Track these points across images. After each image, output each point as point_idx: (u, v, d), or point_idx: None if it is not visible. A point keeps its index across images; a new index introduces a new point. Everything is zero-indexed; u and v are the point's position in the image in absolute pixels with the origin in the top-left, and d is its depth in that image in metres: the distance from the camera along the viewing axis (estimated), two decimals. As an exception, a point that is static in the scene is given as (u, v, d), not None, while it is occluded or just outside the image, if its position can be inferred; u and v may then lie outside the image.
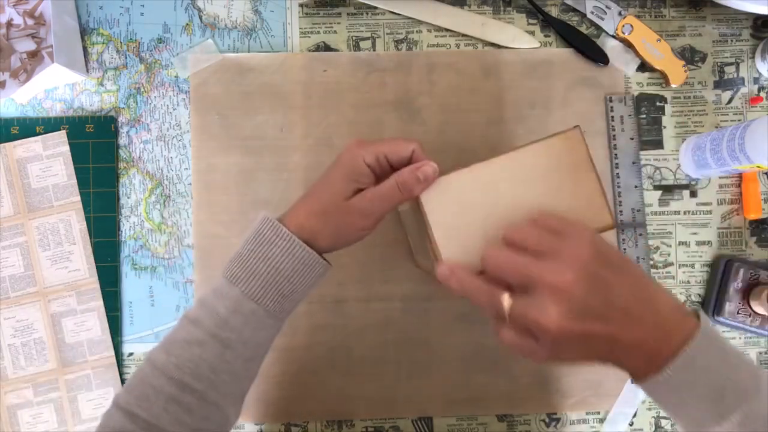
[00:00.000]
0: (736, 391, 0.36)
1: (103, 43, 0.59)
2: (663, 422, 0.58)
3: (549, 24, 0.60)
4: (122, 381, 0.56)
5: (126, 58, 0.59)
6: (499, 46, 0.60)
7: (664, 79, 0.60)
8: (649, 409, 0.58)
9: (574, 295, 0.35)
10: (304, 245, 0.42)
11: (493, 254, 0.38)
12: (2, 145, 0.57)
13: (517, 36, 0.60)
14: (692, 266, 0.59)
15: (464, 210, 0.45)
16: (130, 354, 0.57)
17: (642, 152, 0.60)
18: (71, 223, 0.57)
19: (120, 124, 0.59)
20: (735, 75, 0.61)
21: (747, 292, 0.56)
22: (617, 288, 0.36)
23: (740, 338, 0.59)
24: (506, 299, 0.37)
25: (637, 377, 0.38)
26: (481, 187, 0.45)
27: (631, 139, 0.59)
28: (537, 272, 0.36)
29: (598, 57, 0.59)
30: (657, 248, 0.59)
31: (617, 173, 0.59)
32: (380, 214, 0.43)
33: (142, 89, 0.59)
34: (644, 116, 0.60)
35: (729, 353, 0.37)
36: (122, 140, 0.58)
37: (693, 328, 0.36)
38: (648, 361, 0.36)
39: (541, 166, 0.46)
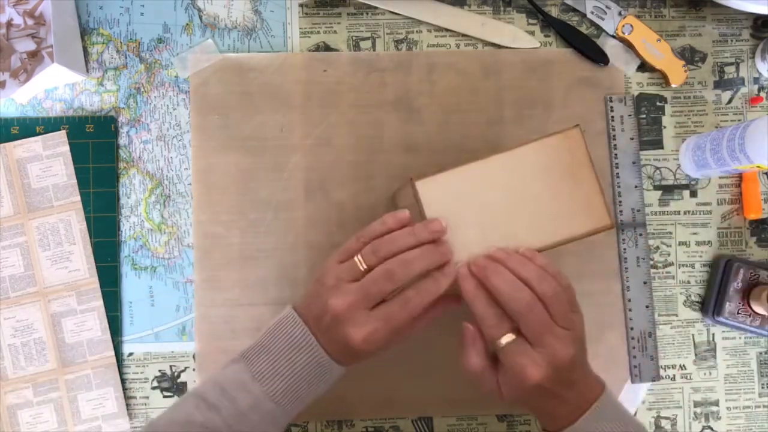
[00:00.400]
0: None
1: (103, 43, 0.59)
2: (663, 422, 0.58)
3: (549, 24, 0.60)
4: (122, 381, 0.56)
5: (126, 58, 0.59)
6: (499, 46, 0.60)
7: (664, 79, 0.60)
8: (649, 409, 0.58)
9: (564, 366, 0.41)
10: (331, 360, 0.43)
11: (529, 301, 0.41)
12: (2, 145, 0.57)
13: (517, 36, 0.60)
14: (692, 266, 0.59)
15: (462, 207, 0.45)
16: (130, 354, 0.57)
17: (642, 152, 0.60)
18: (71, 223, 0.57)
19: (120, 124, 0.59)
20: (735, 75, 0.61)
21: (747, 292, 0.56)
22: (581, 364, 0.44)
23: (740, 338, 0.59)
24: (509, 337, 0.42)
25: (556, 426, 0.44)
26: (479, 185, 0.45)
27: (631, 139, 0.59)
28: (552, 337, 0.41)
29: (598, 57, 0.59)
30: (657, 248, 0.59)
31: (617, 173, 0.59)
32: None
33: (142, 89, 0.59)
34: (644, 116, 0.60)
35: (625, 412, 0.45)
36: (122, 140, 0.58)
37: (601, 390, 0.44)
38: (569, 414, 0.43)
39: (540, 165, 0.46)
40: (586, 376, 0.44)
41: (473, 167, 0.45)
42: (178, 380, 0.57)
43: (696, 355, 0.59)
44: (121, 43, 0.59)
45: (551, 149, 0.46)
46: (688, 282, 0.59)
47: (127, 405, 0.56)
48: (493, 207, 0.45)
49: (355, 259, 0.43)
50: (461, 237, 0.44)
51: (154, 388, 0.57)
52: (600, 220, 0.46)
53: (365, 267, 0.42)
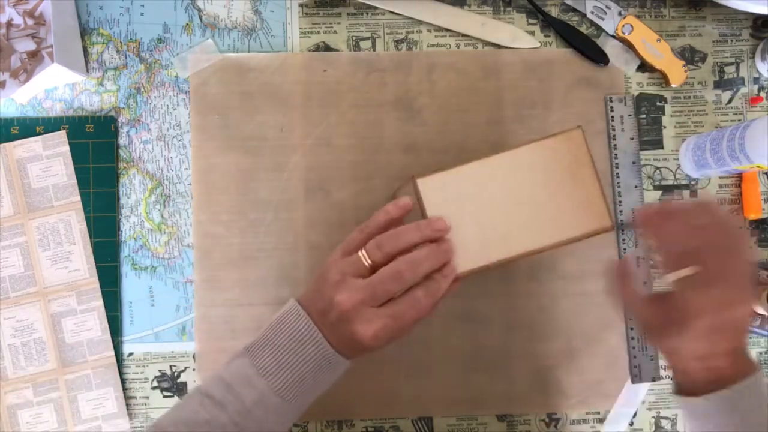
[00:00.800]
0: None
1: (103, 43, 0.59)
2: (663, 422, 0.58)
3: (549, 24, 0.60)
4: (122, 381, 0.56)
5: (126, 58, 0.59)
6: (499, 46, 0.60)
7: (664, 79, 0.60)
8: (649, 409, 0.58)
9: (736, 317, 0.40)
10: (336, 353, 0.42)
11: (716, 239, 0.41)
12: (2, 145, 0.57)
13: (517, 36, 0.60)
14: (692, 266, 0.59)
15: (462, 205, 0.45)
16: (130, 354, 0.57)
17: (642, 152, 0.60)
18: (71, 223, 0.57)
19: (120, 124, 0.59)
20: (735, 75, 0.61)
21: (747, 292, 0.56)
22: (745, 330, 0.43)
23: (740, 338, 0.59)
24: (690, 270, 0.40)
25: (695, 386, 0.41)
26: (479, 184, 0.45)
27: (631, 139, 0.59)
28: (734, 280, 0.40)
29: (598, 57, 0.59)
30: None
31: (617, 173, 0.59)
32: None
33: (142, 89, 0.59)
34: (644, 116, 0.60)
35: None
36: (122, 140, 0.58)
37: (755, 369, 0.41)
38: (717, 378, 0.40)
39: (542, 165, 0.46)
40: (744, 347, 0.42)
41: (474, 166, 0.45)
42: (178, 380, 0.57)
43: (696, 355, 0.59)
44: (121, 43, 0.59)
45: (553, 149, 0.46)
46: (688, 282, 0.59)
47: (127, 405, 0.56)
48: (493, 206, 0.45)
49: (359, 254, 0.42)
50: (460, 236, 0.44)
51: (154, 388, 0.57)
52: (600, 221, 0.46)
53: (370, 262, 0.42)
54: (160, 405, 0.57)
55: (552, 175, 0.46)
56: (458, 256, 0.44)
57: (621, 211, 0.59)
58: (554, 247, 0.46)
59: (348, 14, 0.60)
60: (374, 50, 0.60)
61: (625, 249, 0.58)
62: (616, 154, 0.59)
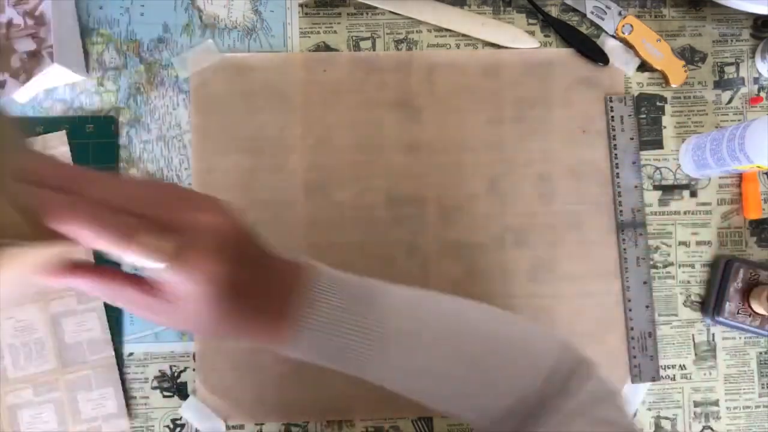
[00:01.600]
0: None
1: (103, 43, 0.59)
2: (663, 422, 0.58)
3: (549, 24, 0.60)
4: (122, 381, 0.56)
5: (126, 58, 0.59)
6: (499, 46, 0.60)
7: (664, 79, 0.60)
8: (649, 410, 0.58)
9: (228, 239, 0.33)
10: None
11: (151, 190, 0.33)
12: (2, 145, 0.57)
13: (517, 36, 0.60)
14: (692, 266, 0.59)
15: None
16: (130, 354, 0.57)
17: (642, 152, 0.60)
18: (71, 223, 0.57)
19: (120, 124, 0.59)
20: (735, 75, 0.61)
21: (747, 292, 0.56)
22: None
23: (740, 338, 0.59)
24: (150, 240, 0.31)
25: (280, 334, 0.35)
26: None
27: (631, 139, 0.59)
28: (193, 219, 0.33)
29: (598, 57, 0.59)
30: (657, 248, 0.59)
31: (617, 173, 0.59)
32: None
33: (142, 89, 0.59)
34: (644, 116, 0.60)
35: (346, 281, 0.37)
36: (122, 140, 0.58)
37: (306, 269, 0.36)
38: (282, 308, 0.35)
39: None
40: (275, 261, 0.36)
41: None
42: (178, 380, 0.57)
43: (696, 355, 0.59)
44: (121, 43, 0.59)
45: None
46: (688, 282, 0.59)
47: (127, 405, 0.56)
48: None
49: None
50: None
51: (154, 388, 0.57)
52: None
53: None
54: (160, 405, 0.57)
55: None
56: None
57: (621, 212, 0.59)
58: None
59: (348, 14, 0.60)
60: (374, 50, 0.60)
61: (625, 249, 0.58)
62: (616, 154, 0.59)
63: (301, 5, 0.60)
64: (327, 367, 0.38)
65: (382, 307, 0.37)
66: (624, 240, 0.59)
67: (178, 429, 0.57)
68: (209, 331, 0.34)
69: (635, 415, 0.58)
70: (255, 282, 0.34)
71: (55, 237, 0.30)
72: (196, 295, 0.32)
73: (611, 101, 0.59)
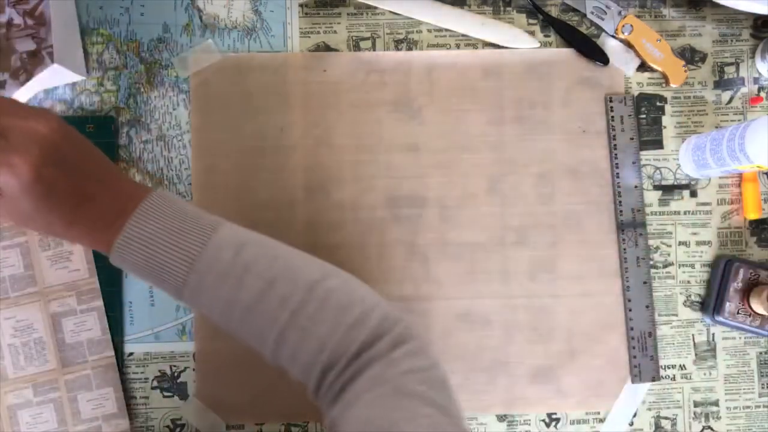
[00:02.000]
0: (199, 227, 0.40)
1: (103, 43, 0.59)
2: (663, 422, 0.58)
3: (549, 24, 0.60)
4: (122, 381, 0.56)
5: (126, 58, 0.59)
6: (499, 46, 0.60)
7: (664, 79, 0.60)
8: (649, 410, 0.58)
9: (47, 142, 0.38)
10: None
11: None
12: (2, 145, 0.57)
13: (517, 36, 0.60)
14: (692, 266, 0.59)
15: None
16: (130, 354, 0.57)
17: (642, 152, 0.60)
18: (71, 223, 0.57)
19: (120, 124, 0.59)
20: (735, 75, 0.61)
21: (747, 292, 0.56)
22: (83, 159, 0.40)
23: (740, 338, 0.59)
24: None
25: (108, 242, 0.40)
26: None
27: (631, 139, 0.59)
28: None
29: (598, 57, 0.59)
30: (657, 248, 0.59)
31: (617, 173, 0.59)
32: None
33: (142, 89, 0.59)
34: (644, 116, 0.60)
35: (186, 210, 0.40)
36: (122, 140, 0.58)
37: (149, 192, 0.41)
38: (114, 220, 0.40)
39: None
40: (108, 174, 0.41)
41: None
42: (178, 380, 0.57)
43: (696, 355, 0.59)
44: (121, 43, 0.59)
45: None
46: (688, 282, 0.59)
47: (127, 405, 0.56)
48: None
49: None
50: None
51: (154, 388, 0.57)
52: None
53: None
54: (160, 405, 0.57)
55: None
56: None
57: (621, 212, 0.59)
58: None
59: (348, 14, 0.60)
60: (374, 50, 0.60)
61: (625, 249, 0.58)
62: (616, 154, 0.59)
63: (301, 5, 0.60)
64: (151, 284, 0.41)
65: (214, 237, 0.39)
66: (624, 240, 0.59)
67: (178, 429, 0.57)
68: (31, 225, 0.40)
69: (635, 414, 0.58)
70: (78, 187, 0.39)
71: None
72: (17, 190, 0.37)
73: (611, 101, 0.59)
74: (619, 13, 0.60)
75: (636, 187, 0.59)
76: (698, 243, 0.59)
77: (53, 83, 0.58)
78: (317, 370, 0.39)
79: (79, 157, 0.40)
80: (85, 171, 0.40)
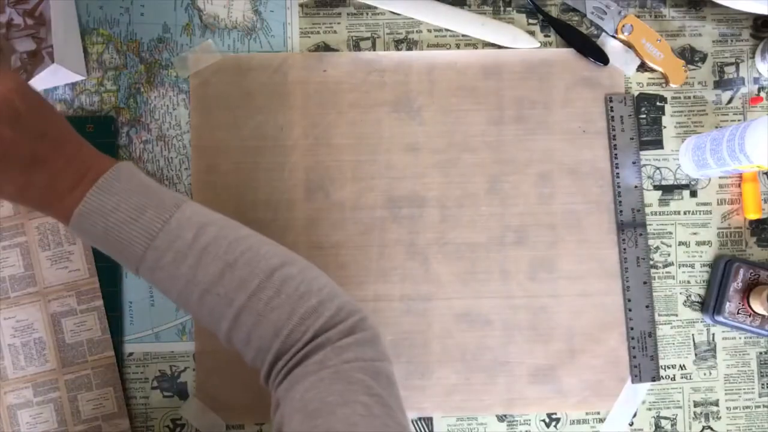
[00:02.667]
0: (159, 207, 0.39)
1: (103, 43, 0.59)
2: (663, 422, 0.58)
3: (549, 24, 0.60)
4: (122, 381, 0.56)
5: (126, 58, 0.59)
6: (499, 46, 0.60)
7: (664, 79, 0.60)
8: (649, 410, 0.58)
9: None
10: None
11: None
12: (2, 145, 0.57)
13: (517, 36, 0.60)
14: (692, 266, 0.59)
15: None
16: (130, 354, 0.57)
17: (642, 152, 0.60)
18: (71, 223, 0.57)
19: (120, 124, 0.59)
20: (735, 75, 0.61)
21: (747, 292, 0.56)
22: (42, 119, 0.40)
23: (740, 338, 0.59)
24: None
25: (65, 209, 0.39)
26: None
27: (631, 139, 0.59)
28: None
29: (598, 57, 0.59)
30: (657, 248, 0.59)
31: (617, 173, 0.59)
32: None
33: (142, 89, 0.59)
34: (644, 116, 0.60)
35: (149, 186, 0.41)
36: (122, 140, 0.58)
37: (113, 163, 0.40)
38: (72, 188, 0.39)
39: None
40: (69, 138, 0.41)
41: None
42: (178, 380, 0.57)
43: (696, 355, 0.59)
44: (121, 43, 0.59)
45: None
46: (688, 282, 0.59)
47: (127, 405, 0.56)
48: None
49: None
50: None
51: (154, 388, 0.57)
52: None
53: None
54: (160, 405, 0.57)
55: None
56: None
57: (621, 211, 0.59)
58: None
59: (348, 14, 0.60)
60: (374, 50, 0.60)
61: (625, 249, 0.58)
62: (616, 154, 0.59)
63: (301, 5, 0.60)
64: (110, 256, 0.41)
65: (176, 215, 0.39)
66: (624, 240, 0.59)
67: (178, 429, 0.57)
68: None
69: (635, 414, 0.58)
70: (29, 147, 0.38)
71: None
72: None
73: (611, 101, 0.59)
74: (619, 13, 0.60)
75: (636, 187, 0.59)
76: (698, 243, 0.59)
77: (53, 83, 0.58)
78: (270, 355, 0.39)
79: (35, 119, 0.39)
80: (39, 132, 0.39)
